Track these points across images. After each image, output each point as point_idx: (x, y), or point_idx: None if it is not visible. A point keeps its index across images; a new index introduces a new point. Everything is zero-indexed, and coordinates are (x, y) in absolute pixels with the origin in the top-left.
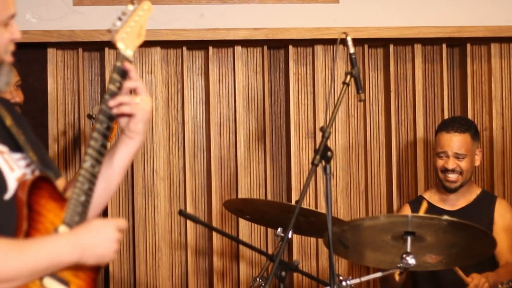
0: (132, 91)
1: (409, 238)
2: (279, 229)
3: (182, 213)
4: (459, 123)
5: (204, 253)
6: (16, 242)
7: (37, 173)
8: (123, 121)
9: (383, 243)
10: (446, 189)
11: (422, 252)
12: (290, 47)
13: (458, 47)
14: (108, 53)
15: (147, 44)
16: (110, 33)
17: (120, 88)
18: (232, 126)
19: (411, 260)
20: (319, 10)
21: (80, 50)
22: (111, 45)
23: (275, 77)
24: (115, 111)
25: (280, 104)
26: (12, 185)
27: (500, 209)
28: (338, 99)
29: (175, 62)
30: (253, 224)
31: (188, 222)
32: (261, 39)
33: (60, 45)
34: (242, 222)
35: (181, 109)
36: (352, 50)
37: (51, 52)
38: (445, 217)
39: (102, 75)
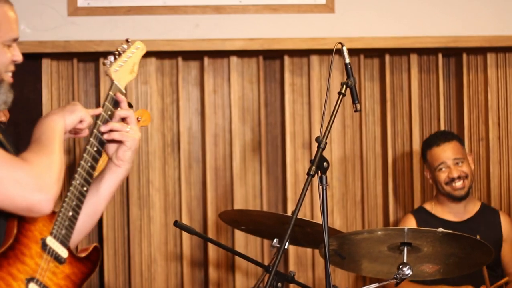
0: (122, 120)
1: (405, 249)
2: (275, 240)
3: (178, 224)
4: (442, 134)
5: (199, 264)
6: (31, 148)
7: None
8: (111, 148)
9: (380, 254)
10: (455, 199)
11: (419, 262)
12: (286, 57)
13: (454, 57)
14: (103, 64)
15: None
16: (105, 66)
17: (111, 116)
18: (228, 136)
19: (407, 271)
20: (315, 20)
21: (75, 60)
22: (106, 55)
23: (271, 88)
24: (106, 136)
25: (276, 114)
26: None
27: (505, 223)
28: (333, 110)
29: (170, 72)
30: (248, 235)
31: (184, 233)
32: (257, 49)
33: (55, 56)
34: (238, 233)
35: (177, 120)
36: (347, 60)
37: (45, 63)
38: (440, 229)
39: (97, 85)
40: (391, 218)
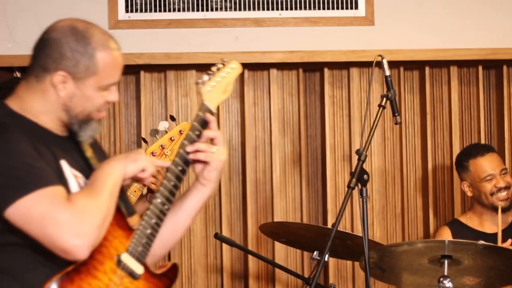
0: (210, 141)
1: (446, 262)
2: (315, 252)
3: (218, 236)
4: (483, 146)
5: (240, 277)
6: (84, 190)
7: None
8: (198, 167)
9: (420, 266)
10: (497, 210)
11: (460, 275)
12: (326, 69)
13: (494, 69)
14: (143, 76)
15: (183, 67)
16: (197, 85)
17: (199, 136)
18: (268, 149)
19: (448, 284)
20: (355, 33)
21: None
22: (147, 68)
23: (311, 100)
24: (191, 156)
25: (316, 127)
26: None
27: None
28: (374, 122)
29: None
30: (289, 247)
31: (224, 245)
32: (297, 62)
33: None
34: (278, 245)
35: None
36: (388, 72)
37: None
38: (481, 242)
39: (138, 98)
40: (431, 230)
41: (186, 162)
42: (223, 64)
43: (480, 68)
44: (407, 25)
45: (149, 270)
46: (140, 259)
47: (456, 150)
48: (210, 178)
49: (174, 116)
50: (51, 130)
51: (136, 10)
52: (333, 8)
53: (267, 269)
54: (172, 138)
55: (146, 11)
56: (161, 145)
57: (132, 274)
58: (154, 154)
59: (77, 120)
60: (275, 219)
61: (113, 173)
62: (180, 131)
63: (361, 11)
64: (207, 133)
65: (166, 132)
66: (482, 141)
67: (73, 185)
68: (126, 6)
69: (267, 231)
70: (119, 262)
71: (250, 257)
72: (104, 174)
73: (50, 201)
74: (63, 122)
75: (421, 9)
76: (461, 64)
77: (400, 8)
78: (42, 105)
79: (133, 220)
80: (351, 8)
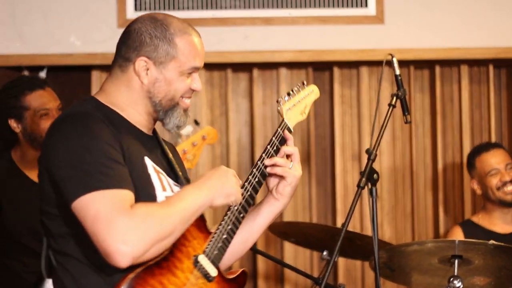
0: (287, 157)
1: (456, 262)
2: (324, 252)
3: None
4: (490, 143)
5: (249, 276)
6: (161, 202)
7: None
8: (273, 182)
9: (430, 266)
10: (506, 204)
11: (470, 275)
12: (335, 68)
13: (505, 68)
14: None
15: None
16: (278, 104)
17: (276, 151)
18: None
19: (458, 284)
20: (364, 32)
21: None
22: None
23: (320, 99)
24: (269, 170)
25: (325, 126)
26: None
27: None
28: (384, 121)
29: (220, 84)
30: (298, 247)
31: None
32: (306, 61)
33: (105, 68)
34: (287, 245)
35: (226, 132)
36: (398, 71)
37: (95, 75)
38: (492, 242)
39: None
40: (441, 230)
41: (263, 175)
42: (303, 86)
43: (491, 67)
44: (417, 24)
45: (221, 274)
46: (215, 262)
47: (466, 149)
48: (285, 193)
49: (198, 121)
50: (137, 127)
51: (145, 9)
52: (342, 7)
53: (276, 269)
54: (195, 143)
55: (155, 9)
56: (184, 150)
57: (206, 276)
58: None
59: (161, 107)
60: (284, 219)
61: (197, 199)
62: (203, 136)
63: (371, 9)
64: (285, 149)
65: (189, 136)
66: (493, 140)
67: (156, 181)
68: (135, 5)
69: (276, 231)
70: (196, 262)
71: (259, 256)
72: (186, 195)
73: (111, 203)
74: (150, 114)
75: (431, 8)
76: (472, 63)
77: (410, 6)
78: (128, 96)
79: None
80: (361, 6)
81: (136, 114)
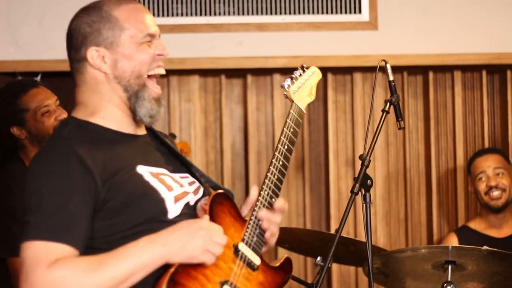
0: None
1: (450, 267)
2: (318, 258)
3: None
4: (487, 149)
5: None
6: (92, 258)
7: (200, 191)
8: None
9: (424, 272)
10: (492, 210)
11: (464, 281)
12: (329, 74)
13: (498, 73)
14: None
15: (186, 73)
16: (283, 88)
17: (294, 134)
18: (271, 154)
19: None
20: (358, 38)
21: None
22: (169, 72)
23: (314, 105)
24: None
25: (319, 132)
26: (171, 205)
27: None
28: (377, 127)
29: (214, 90)
30: (292, 253)
31: None
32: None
33: None
34: (281, 251)
35: (220, 137)
36: (391, 77)
37: None
38: (485, 247)
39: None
40: (435, 236)
41: (289, 149)
42: (303, 69)
43: (484, 73)
44: (410, 30)
45: (265, 262)
46: (256, 249)
47: (460, 155)
48: (270, 242)
49: (174, 133)
50: (123, 132)
51: None
52: (336, 13)
53: None
54: None
55: None
56: None
57: (250, 265)
58: None
59: (132, 90)
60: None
61: (139, 258)
62: (181, 149)
63: (365, 15)
64: (277, 205)
65: None
66: (486, 146)
67: (157, 185)
68: None
69: None
70: (236, 251)
71: None
72: (128, 254)
73: (37, 257)
74: (128, 106)
75: (425, 14)
76: (465, 69)
77: (403, 12)
78: (100, 95)
79: None
80: (355, 12)
81: (117, 114)
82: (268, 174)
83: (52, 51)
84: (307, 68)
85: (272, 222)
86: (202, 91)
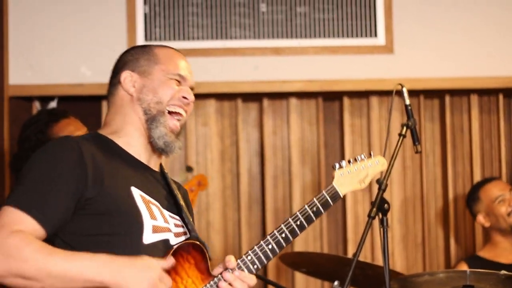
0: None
1: None
2: (335, 282)
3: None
4: (489, 177)
5: None
6: (49, 246)
7: (183, 237)
8: None
9: None
10: None
11: None
12: (345, 98)
13: None
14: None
15: (202, 97)
16: (333, 169)
17: (316, 213)
18: (287, 178)
19: None
20: (374, 61)
21: None
22: None
23: (330, 129)
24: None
25: (335, 156)
26: (148, 232)
27: None
28: (394, 151)
29: (230, 114)
30: (309, 277)
31: None
32: (316, 90)
33: None
34: (298, 275)
35: (236, 161)
36: (408, 101)
37: (105, 105)
38: (503, 272)
39: None
40: (453, 260)
41: (301, 226)
42: (369, 156)
43: (501, 96)
44: (426, 53)
45: None
46: None
47: (477, 179)
48: None
49: (191, 166)
50: (134, 156)
51: (155, 39)
52: (352, 37)
53: None
54: (192, 189)
55: (165, 39)
56: None
57: None
58: None
59: (150, 113)
60: (295, 249)
61: (84, 270)
62: (198, 182)
63: (381, 39)
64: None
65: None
66: (503, 170)
67: (143, 209)
68: (145, 35)
69: (287, 261)
70: None
71: (270, 287)
72: (78, 259)
73: (5, 221)
74: (145, 136)
75: (441, 37)
76: (482, 92)
77: (419, 36)
78: (123, 115)
79: None
80: (371, 36)
81: (134, 137)
82: (261, 242)
83: (68, 75)
84: (374, 156)
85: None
86: (218, 115)
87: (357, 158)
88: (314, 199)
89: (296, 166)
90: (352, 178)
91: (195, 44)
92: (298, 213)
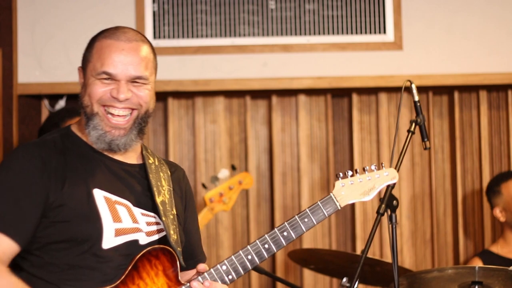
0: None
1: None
2: (344, 279)
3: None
4: (509, 171)
5: None
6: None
7: (156, 236)
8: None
9: None
10: None
11: None
12: (354, 95)
13: None
14: (171, 103)
15: (211, 94)
16: (337, 180)
17: (307, 225)
18: (296, 175)
19: None
20: (383, 58)
21: None
22: (175, 95)
23: (339, 126)
24: None
25: (344, 152)
26: (109, 236)
27: None
28: (403, 147)
29: (239, 111)
30: (317, 274)
31: (253, 272)
32: (325, 87)
33: None
34: (307, 272)
35: (245, 158)
36: (416, 98)
37: None
38: None
39: (165, 125)
40: (462, 256)
41: (287, 237)
42: (377, 168)
43: (510, 92)
44: (435, 49)
45: None
46: None
47: (486, 175)
48: None
49: (235, 165)
50: (103, 152)
51: (164, 37)
52: (361, 33)
53: None
54: (231, 187)
55: (174, 37)
56: (220, 193)
57: None
58: (212, 200)
59: (86, 116)
60: (304, 246)
61: None
62: (239, 181)
63: (390, 36)
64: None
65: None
66: None
67: (104, 212)
68: (154, 33)
69: (296, 258)
70: None
71: (278, 284)
72: None
73: None
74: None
75: (450, 34)
76: (490, 88)
77: (428, 32)
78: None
79: None
80: (379, 33)
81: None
82: (240, 251)
83: (76, 74)
84: (383, 168)
85: None
86: (227, 112)
87: (365, 168)
88: (307, 210)
89: (305, 163)
90: (354, 190)
91: (203, 41)
92: (286, 223)
